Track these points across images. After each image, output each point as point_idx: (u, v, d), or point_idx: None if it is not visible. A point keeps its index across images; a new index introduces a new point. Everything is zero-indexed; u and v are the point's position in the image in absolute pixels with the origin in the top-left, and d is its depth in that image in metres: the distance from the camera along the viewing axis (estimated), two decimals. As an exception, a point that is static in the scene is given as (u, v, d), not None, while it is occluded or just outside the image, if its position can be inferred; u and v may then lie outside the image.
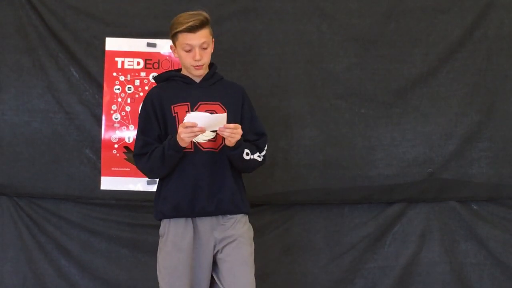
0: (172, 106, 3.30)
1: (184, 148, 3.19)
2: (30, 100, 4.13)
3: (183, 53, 3.32)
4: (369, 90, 4.18)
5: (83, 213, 4.17)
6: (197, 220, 3.28)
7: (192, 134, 3.12)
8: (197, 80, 3.37)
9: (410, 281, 4.18)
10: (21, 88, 4.14)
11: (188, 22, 3.26)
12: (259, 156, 3.34)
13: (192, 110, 3.25)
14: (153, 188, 4.07)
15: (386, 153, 4.15)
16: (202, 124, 3.11)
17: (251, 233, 3.38)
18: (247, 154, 3.27)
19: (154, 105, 3.33)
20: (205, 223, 3.28)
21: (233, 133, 3.15)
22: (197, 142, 3.25)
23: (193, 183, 3.25)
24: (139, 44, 4.14)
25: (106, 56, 4.12)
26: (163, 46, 4.13)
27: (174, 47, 3.38)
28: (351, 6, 4.19)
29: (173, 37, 3.34)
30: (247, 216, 3.38)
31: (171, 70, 3.51)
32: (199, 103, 3.30)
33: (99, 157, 4.11)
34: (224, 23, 4.14)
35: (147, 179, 4.10)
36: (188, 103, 3.30)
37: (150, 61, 4.14)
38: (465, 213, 4.19)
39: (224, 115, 3.15)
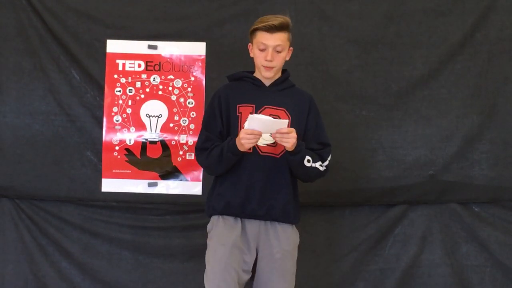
0: (237, 106, 3.31)
1: (241, 152, 3.20)
2: (31, 103, 4.14)
3: (257, 52, 3.32)
4: (370, 92, 4.18)
5: (84, 215, 4.17)
6: (246, 222, 3.29)
7: (253, 141, 3.13)
8: (267, 83, 3.37)
9: (411, 283, 4.18)
10: (22, 91, 4.14)
11: (268, 21, 3.28)
12: (321, 166, 3.33)
13: (256, 113, 3.25)
14: (154, 190, 4.10)
15: (387, 155, 4.15)
16: (261, 128, 3.10)
17: (295, 243, 3.37)
18: (308, 161, 3.26)
19: (220, 102, 3.34)
20: (253, 226, 3.29)
21: (285, 137, 3.13)
22: (256, 145, 3.24)
23: (247, 185, 3.26)
24: (140, 46, 4.14)
25: (107, 58, 4.13)
26: (164, 48, 4.14)
27: (251, 45, 3.37)
28: (352, 8, 4.19)
29: (252, 34, 3.35)
30: (294, 226, 3.37)
31: (244, 71, 3.49)
32: (265, 106, 3.30)
33: (100, 159, 4.11)
34: (225, 25, 4.14)
35: (148, 181, 4.11)
36: (254, 105, 3.30)
37: (151, 63, 4.15)
38: (466, 215, 4.19)
39: (285, 121, 3.14)
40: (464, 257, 4.19)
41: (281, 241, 3.29)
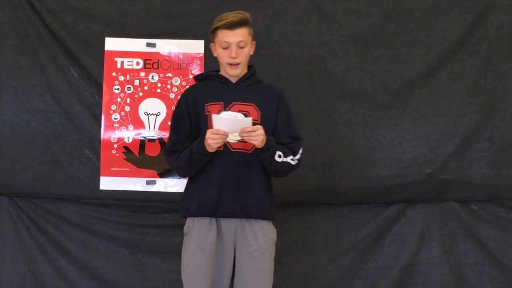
0: (205, 105, 3.29)
1: (210, 153, 3.18)
2: (29, 100, 4.14)
3: (220, 50, 3.30)
4: (368, 91, 4.18)
5: (82, 213, 4.17)
6: (221, 220, 3.27)
7: (219, 141, 3.12)
8: (234, 80, 3.36)
9: (409, 281, 4.18)
10: (20, 88, 4.14)
11: (227, 18, 3.26)
12: (292, 160, 3.30)
13: (225, 110, 3.23)
14: (152, 188, 4.10)
15: (386, 154, 4.15)
16: (226, 127, 3.09)
17: (273, 241, 3.34)
18: (279, 156, 3.23)
19: (188, 103, 3.32)
20: (229, 224, 3.26)
21: (252, 136, 3.12)
22: (227, 142, 3.22)
23: (220, 182, 3.23)
24: (138, 44, 4.14)
25: (106, 56, 4.13)
26: (163, 46, 4.14)
27: (214, 45, 3.36)
28: (350, 7, 4.19)
29: (213, 34, 3.33)
30: (271, 222, 3.34)
31: (211, 70, 3.48)
32: (233, 103, 3.28)
33: (98, 157, 4.11)
34: (224, 24, 4.13)
35: (146, 179, 4.11)
36: (222, 103, 3.28)
37: (150, 61, 4.15)
38: (465, 214, 4.19)
39: (249, 119, 3.12)
40: (462, 255, 4.19)
41: (258, 238, 3.26)
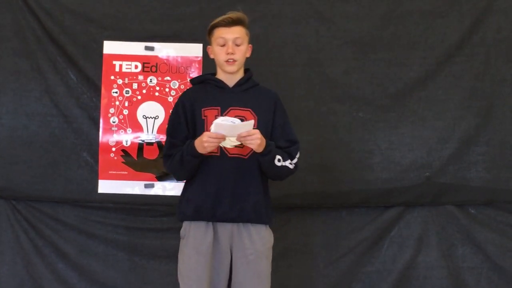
0: (202, 110, 3.29)
1: (201, 154, 3.18)
2: (28, 103, 4.14)
3: (217, 49, 3.30)
4: (367, 94, 4.18)
5: (80, 216, 4.17)
6: (218, 225, 3.27)
7: (216, 144, 3.12)
8: (231, 84, 3.35)
9: (407, 285, 4.18)
10: (19, 91, 4.14)
11: (224, 16, 3.29)
12: (290, 164, 3.30)
13: (222, 115, 3.23)
14: (151, 192, 4.10)
15: (384, 157, 4.15)
16: (227, 131, 3.09)
17: (270, 244, 3.34)
18: (279, 160, 3.24)
19: (185, 107, 3.32)
20: (225, 228, 3.26)
21: (248, 140, 3.12)
22: (224, 148, 3.23)
23: (217, 188, 3.24)
24: (137, 48, 4.14)
25: (104, 59, 4.13)
26: (161, 49, 4.14)
27: (210, 47, 3.36)
28: (349, 10, 4.19)
29: (210, 34, 3.34)
30: (267, 226, 3.34)
31: (207, 73, 3.48)
32: (230, 108, 3.28)
33: (96, 161, 4.11)
34: (222, 27, 4.13)
35: (144, 182, 4.11)
36: (219, 108, 3.28)
37: (148, 64, 4.15)
38: (463, 217, 4.19)
39: (251, 122, 3.12)
40: (460, 259, 4.19)
41: (254, 242, 3.26)
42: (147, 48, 4.15)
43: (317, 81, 4.18)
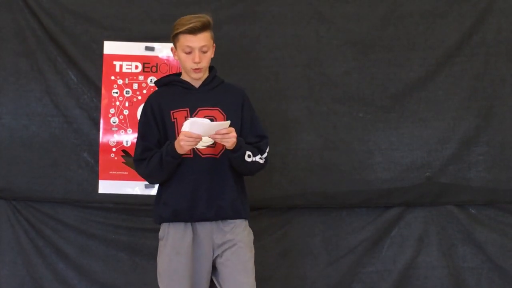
0: (171, 112, 3.30)
1: (182, 155, 3.19)
2: (28, 104, 4.14)
3: (182, 55, 3.30)
4: (367, 94, 4.18)
5: (81, 216, 4.17)
6: (197, 224, 3.28)
7: (193, 143, 3.12)
8: (197, 85, 3.36)
9: (408, 285, 4.18)
10: (19, 92, 4.14)
11: (190, 23, 3.25)
12: (260, 158, 3.32)
13: (191, 116, 3.24)
14: (151, 192, 4.09)
15: (384, 157, 4.15)
16: (201, 131, 3.10)
17: (251, 237, 3.37)
18: (249, 156, 3.26)
19: (153, 110, 3.32)
20: (204, 227, 3.28)
21: (225, 138, 3.14)
22: (196, 148, 3.24)
23: (192, 189, 3.25)
24: (137, 48, 4.14)
25: (104, 59, 4.13)
26: (161, 49, 4.14)
27: (174, 49, 3.36)
28: (349, 10, 4.20)
29: (174, 38, 3.33)
30: (247, 221, 3.37)
31: (171, 74, 3.50)
32: (198, 109, 3.29)
33: (97, 161, 4.11)
34: (223, 27, 4.14)
35: (145, 182, 4.09)
36: (187, 109, 3.29)
37: (148, 64, 4.15)
38: (463, 217, 4.19)
39: (227, 122, 3.14)
40: (460, 259, 4.19)
41: (237, 233, 3.27)
42: (147, 48, 4.15)
43: (317, 82, 4.18)
